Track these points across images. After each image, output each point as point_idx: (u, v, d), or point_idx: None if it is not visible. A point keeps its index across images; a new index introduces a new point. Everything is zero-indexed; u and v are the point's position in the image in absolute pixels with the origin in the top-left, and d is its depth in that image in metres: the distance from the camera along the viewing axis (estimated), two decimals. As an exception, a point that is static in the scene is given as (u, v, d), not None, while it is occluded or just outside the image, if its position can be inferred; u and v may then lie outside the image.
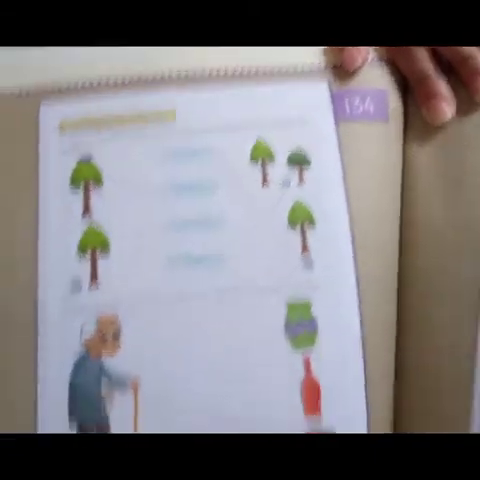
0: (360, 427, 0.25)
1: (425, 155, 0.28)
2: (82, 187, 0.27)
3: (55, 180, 0.27)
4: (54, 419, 0.24)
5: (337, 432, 0.24)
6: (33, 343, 0.25)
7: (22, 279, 0.25)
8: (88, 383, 0.24)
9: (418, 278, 0.27)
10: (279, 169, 0.27)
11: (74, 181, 0.27)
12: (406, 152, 0.29)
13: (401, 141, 0.29)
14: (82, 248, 0.26)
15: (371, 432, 0.25)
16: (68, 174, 0.27)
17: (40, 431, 0.24)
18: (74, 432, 0.24)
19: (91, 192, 0.27)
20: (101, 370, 0.25)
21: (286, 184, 0.27)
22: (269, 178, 0.27)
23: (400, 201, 0.28)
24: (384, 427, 0.26)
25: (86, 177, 0.27)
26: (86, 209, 0.26)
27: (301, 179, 0.27)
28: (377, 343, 0.26)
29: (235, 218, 0.27)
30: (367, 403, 0.25)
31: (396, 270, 0.27)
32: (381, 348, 0.26)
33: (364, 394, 0.25)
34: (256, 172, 0.27)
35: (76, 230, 0.26)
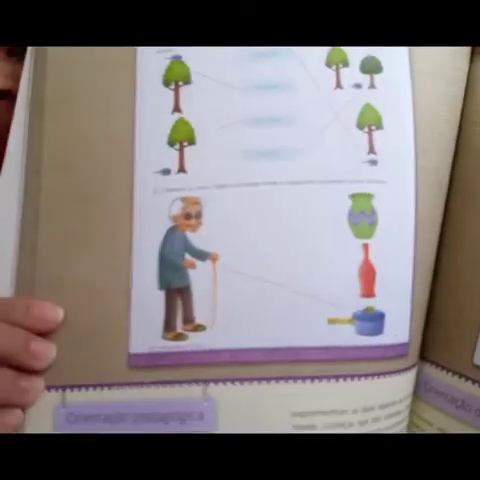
0: (405, 313, 0.28)
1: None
2: (173, 85, 0.29)
3: (150, 77, 0.29)
4: (146, 283, 0.28)
5: (387, 315, 0.27)
6: (129, 216, 0.28)
7: (120, 165, 0.28)
8: (174, 253, 0.28)
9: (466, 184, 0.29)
10: (352, 73, 0.29)
11: (166, 79, 0.29)
12: (473, 63, 0.30)
13: (469, 53, 0.30)
14: (172, 140, 0.29)
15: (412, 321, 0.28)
16: (162, 72, 0.29)
17: (133, 295, 0.28)
18: (162, 294, 0.27)
19: (180, 89, 0.29)
20: (185, 242, 0.28)
21: (358, 87, 0.29)
22: (342, 81, 0.29)
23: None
24: (421, 317, 0.29)
25: (177, 75, 0.29)
26: (176, 105, 0.29)
27: (372, 84, 0.29)
28: (426, 235, 0.28)
29: (308, 117, 0.28)
30: (413, 292, 0.28)
31: (448, 175, 0.30)
32: (429, 242, 0.29)
33: (411, 285, 0.28)
34: (330, 75, 0.29)
35: (167, 124, 0.29)
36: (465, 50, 0.30)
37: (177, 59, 0.29)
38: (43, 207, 0.28)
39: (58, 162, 0.29)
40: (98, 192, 0.28)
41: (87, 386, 0.27)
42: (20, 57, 0.31)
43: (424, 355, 0.30)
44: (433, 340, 0.30)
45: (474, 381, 0.27)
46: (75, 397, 0.27)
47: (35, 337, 0.27)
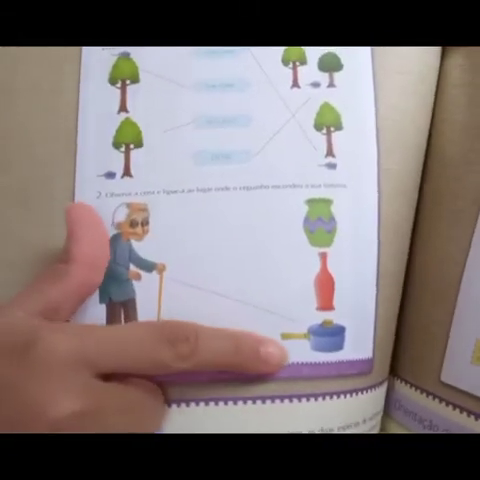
0: (368, 327, 0.26)
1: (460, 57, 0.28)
2: (120, 83, 0.27)
3: (95, 74, 0.27)
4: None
5: (347, 330, 0.25)
6: None
7: (62, 166, 0.27)
8: (117, 263, 0.26)
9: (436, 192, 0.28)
10: (310, 71, 0.27)
11: (113, 77, 0.27)
12: (444, 59, 0.28)
13: (440, 49, 0.28)
14: (117, 142, 0.27)
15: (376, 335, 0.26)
16: (108, 69, 0.27)
17: None
18: (104, 307, 0.26)
19: (128, 88, 0.27)
20: (130, 252, 0.26)
21: (316, 85, 0.27)
22: (299, 80, 0.27)
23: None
24: (388, 329, 0.27)
25: (124, 73, 0.27)
26: (122, 105, 0.27)
27: (331, 82, 0.27)
28: (391, 244, 0.26)
29: (262, 117, 0.27)
30: (376, 304, 0.26)
31: (418, 180, 0.28)
32: (394, 251, 0.27)
33: (375, 297, 0.26)
34: (287, 73, 0.27)
35: (112, 125, 0.27)
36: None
37: (124, 56, 0.28)
38: None
39: None
40: (37, 194, 0.27)
41: None
42: None
43: (395, 371, 0.28)
44: (403, 356, 0.28)
45: (441, 400, 0.25)
46: None
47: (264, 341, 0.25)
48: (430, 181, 0.28)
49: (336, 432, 0.25)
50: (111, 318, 0.25)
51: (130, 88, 0.27)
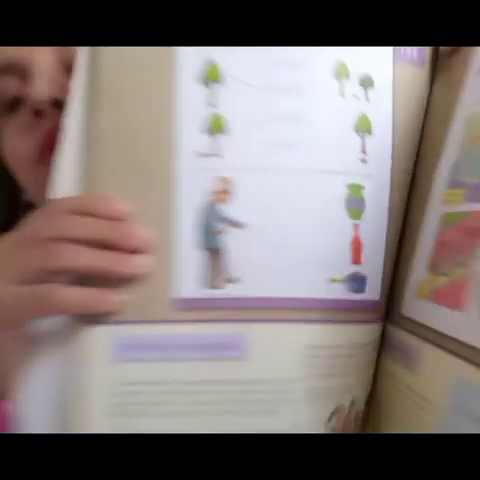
0: (378, 277, 0.37)
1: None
2: (207, 84, 0.35)
3: (188, 77, 0.35)
4: (186, 244, 0.34)
5: (368, 279, 0.36)
6: (170, 193, 0.35)
7: (161, 147, 0.35)
8: (211, 221, 0.35)
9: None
10: (352, 85, 0.36)
11: (202, 79, 0.35)
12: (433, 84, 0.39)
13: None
14: (208, 131, 0.35)
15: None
16: (198, 72, 0.35)
17: (174, 256, 0.34)
18: (199, 253, 0.34)
19: (214, 87, 0.35)
20: (220, 213, 0.35)
21: (356, 98, 0.36)
22: (344, 90, 0.36)
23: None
24: (388, 279, 0.38)
25: (211, 76, 0.35)
26: (210, 102, 0.35)
27: (367, 96, 0.37)
28: (395, 222, 0.37)
29: (316, 118, 0.36)
30: (384, 262, 0.37)
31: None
32: (396, 227, 0.38)
33: (383, 256, 0.37)
34: (335, 84, 0.36)
35: (201, 116, 0.35)
36: (426, 73, 0.39)
37: (211, 63, 0.35)
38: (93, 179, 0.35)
39: (110, 141, 0.35)
40: (141, 168, 0.35)
41: (136, 322, 0.34)
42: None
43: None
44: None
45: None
46: (127, 330, 0.34)
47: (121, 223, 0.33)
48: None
49: (359, 347, 0.36)
50: (204, 261, 0.34)
51: (217, 86, 0.35)
